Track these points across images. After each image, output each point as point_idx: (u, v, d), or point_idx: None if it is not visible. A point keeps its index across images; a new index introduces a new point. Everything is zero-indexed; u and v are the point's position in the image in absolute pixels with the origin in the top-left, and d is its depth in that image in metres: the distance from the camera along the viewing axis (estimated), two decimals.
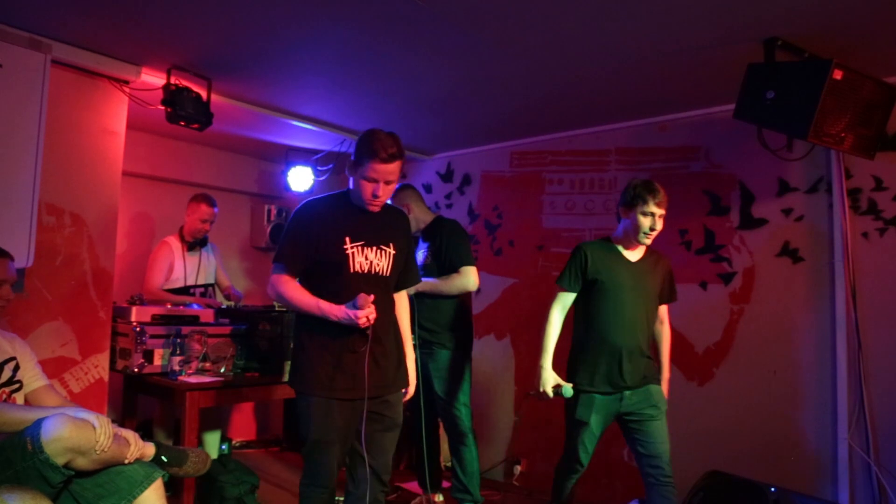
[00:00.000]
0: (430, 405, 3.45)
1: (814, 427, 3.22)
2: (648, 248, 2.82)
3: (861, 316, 3.12)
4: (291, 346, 2.92)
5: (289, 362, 3.03)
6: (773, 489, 2.86)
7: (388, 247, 2.39)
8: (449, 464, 3.67)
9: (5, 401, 2.28)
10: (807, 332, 3.29)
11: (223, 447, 4.11)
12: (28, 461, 1.94)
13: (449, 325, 3.36)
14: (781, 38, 2.68)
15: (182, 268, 4.05)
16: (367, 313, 2.18)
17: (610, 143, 4.07)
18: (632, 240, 2.76)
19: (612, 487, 3.81)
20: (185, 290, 4.03)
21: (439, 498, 3.55)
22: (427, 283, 3.29)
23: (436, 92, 3.56)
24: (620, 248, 2.81)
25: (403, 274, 2.49)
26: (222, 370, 3.27)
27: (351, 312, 2.18)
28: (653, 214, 2.68)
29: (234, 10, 2.64)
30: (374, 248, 2.35)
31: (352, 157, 2.29)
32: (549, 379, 2.74)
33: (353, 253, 2.30)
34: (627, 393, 2.71)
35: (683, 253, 3.70)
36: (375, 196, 2.26)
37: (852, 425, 3.10)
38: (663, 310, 2.94)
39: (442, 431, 3.75)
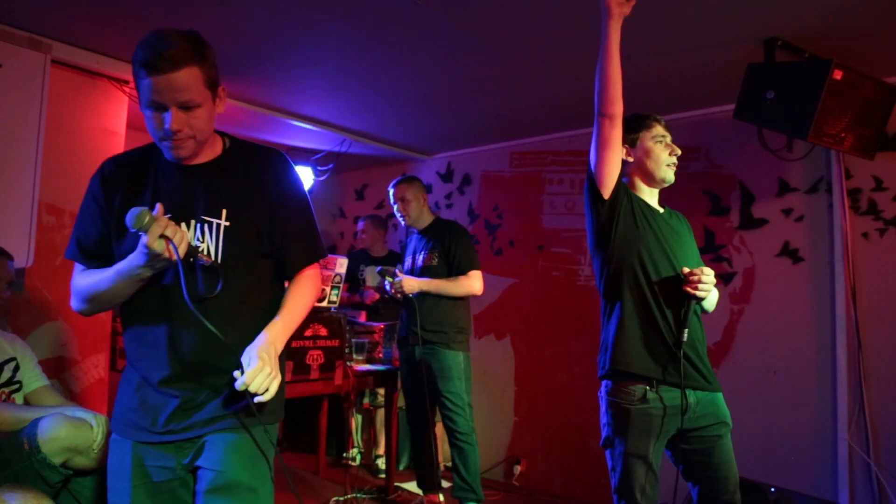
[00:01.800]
0: (430, 405, 3.45)
1: (814, 427, 3.22)
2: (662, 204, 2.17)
3: (861, 316, 3.12)
4: None
5: (289, 362, 3.03)
6: (773, 489, 2.85)
7: (217, 217, 1.46)
8: (449, 464, 3.67)
9: (4, 401, 2.28)
10: (807, 332, 3.29)
11: None
12: (26, 461, 1.95)
13: (451, 325, 3.38)
14: (781, 38, 2.68)
15: None
16: (158, 230, 1.30)
17: None
18: (651, 182, 2.09)
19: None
20: None
21: (440, 498, 3.55)
22: (434, 283, 3.32)
23: (436, 92, 3.55)
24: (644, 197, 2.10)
25: (287, 248, 1.56)
26: None
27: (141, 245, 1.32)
28: (663, 139, 2.07)
29: (234, 11, 2.64)
30: (192, 223, 1.45)
31: None
32: None
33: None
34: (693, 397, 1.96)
35: None
36: (168, 133, 1.38)
37: (852, 425, 3.10)
38: None
39: (440, 431, 3.75)
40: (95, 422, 2.07)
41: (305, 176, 4.83)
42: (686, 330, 1.90)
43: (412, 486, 3.81)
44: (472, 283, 3.35)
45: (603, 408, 2.03)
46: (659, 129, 2.08)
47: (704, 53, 2.89)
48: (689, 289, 1.88)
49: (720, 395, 2.04)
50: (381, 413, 4.31)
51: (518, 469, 4.21)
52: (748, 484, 2.93)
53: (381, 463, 4.27)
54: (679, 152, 2.08)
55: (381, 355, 3.90)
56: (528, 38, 2.82)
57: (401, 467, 4.37)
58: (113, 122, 3.29)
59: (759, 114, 2.75)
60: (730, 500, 1.96)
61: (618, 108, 1.89)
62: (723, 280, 3.56)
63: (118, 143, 3.31)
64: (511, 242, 4.47)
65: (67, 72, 3.08)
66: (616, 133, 1.92)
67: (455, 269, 3.36)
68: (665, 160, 2.05)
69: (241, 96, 3.69)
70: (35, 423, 2.00)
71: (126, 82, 3.30)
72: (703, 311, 2.10)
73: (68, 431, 1.98)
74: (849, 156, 3.05)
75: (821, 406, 3.21)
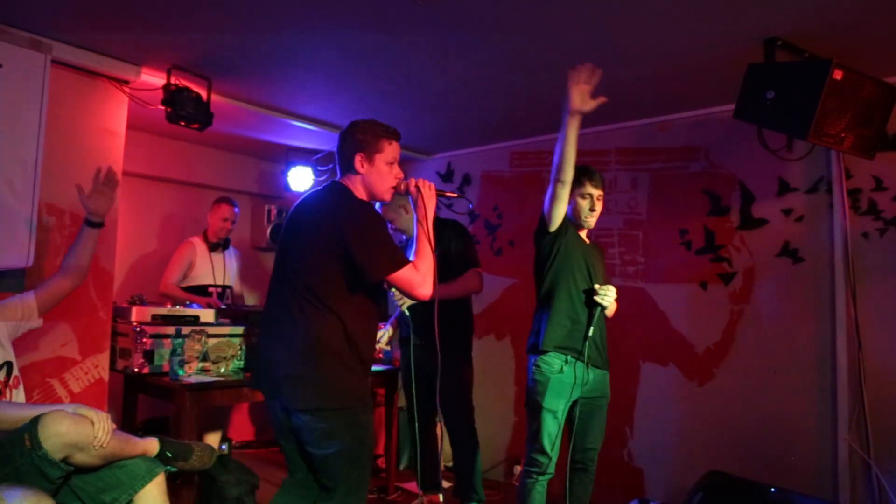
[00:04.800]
0: (430, 405, 3.45)
1: (814, 427, 3.22)
2: None
3: (861, 316, 3.12)
4: None
5: None
6: (773, 489, 2.85)
7: None
8: (449, 464, 3.67)
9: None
10: (807, 331, 3.29)
11: (223, 447, 4.11)
12: (27, 457, 1.95)
13: (455, 325, 3.35)
14: (781, 38, 2.68)
15: (202, 266, 4.22)
16: None
17: (610, 143, 4.06)
18: (577, 226, 2.85)
19: (611, 488, 3.80)
20: (202, 288, 4.15)
21: (439, 498, 3.54)
22: (439, 288, 3.28)
23: (436, 92, 3.55)
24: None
25: None
26: (222, 370, 3.27)
27: None
28: (590, 196, 2.77)
29: (234, 10, 2.64)
30: None
31: None
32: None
33: None
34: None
35: (683, 253, 3.70)
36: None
37: (852, 425, 3.10)
38: None
39: (440, 431, 3.75)
40: (97, 418, 2.07)
41: (305, 176, 4.83)
42: (592, 326, 2.68)
43: (412, 486, 3.81)
44: (469, 281, 3.28)
45: (530, 375, 2.73)
46: (587, 188, 2.74)
47: (704, 53, 2.89)
48: (597, 298, 2.67)
49: (608, 374, 2.81)
50: (380, 413, 4.31)
51: (518, 469, 4.20)
52: (748, 484, 2.93)
53: (381, 463, 4.27)
54: (596, 206, 2.77)
55: (381, 355, 3.90)
56: (528, 39, 2.82)
57: (401, 467, 4.37)
58: (113, 122, 3.29)
59: (759, 114, 2.75)
60: (590, 448, 2.78)
61: (569, 175, 2.53)
62: (723, 280, 3.56)
63: (118, 144, 3.31)
64: (511, 242, 4.47)
65: (67, 72, 3.08)
66: (565, 192, 2.59)
67: (453, 270, 3.33)
68: (585, 213, 2.77)
69: (241, 96, 3.68)
70: (36, 419, 2.00)
71: (126, 82, 3.30)
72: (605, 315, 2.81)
73: (69, 427, 1.98)
74: (849, 156, 3.05)
75: (821, 406, 3.21)
